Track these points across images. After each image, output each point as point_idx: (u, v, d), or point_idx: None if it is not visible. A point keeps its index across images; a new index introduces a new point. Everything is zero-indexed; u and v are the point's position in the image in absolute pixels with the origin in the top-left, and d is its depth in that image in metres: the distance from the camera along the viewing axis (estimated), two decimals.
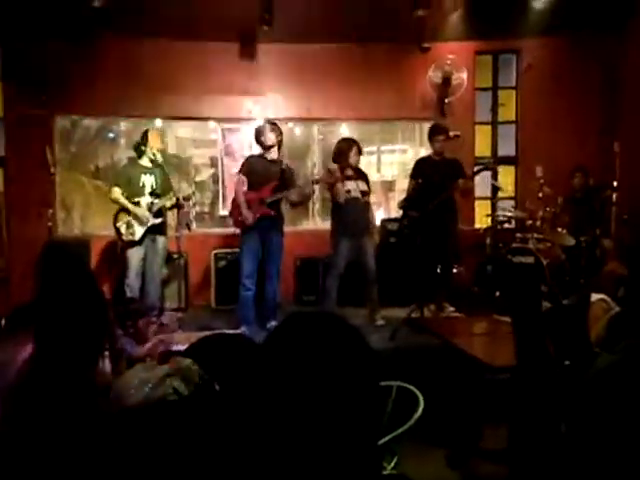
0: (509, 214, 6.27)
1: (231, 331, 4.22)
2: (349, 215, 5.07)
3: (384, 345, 4.57)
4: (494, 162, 5.43)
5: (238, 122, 6.75)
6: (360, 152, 5.17)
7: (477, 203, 7.04)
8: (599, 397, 1.77)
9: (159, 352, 2.50)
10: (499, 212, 6.29)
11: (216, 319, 5.47)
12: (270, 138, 4.96)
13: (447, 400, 3.65)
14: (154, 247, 5.22)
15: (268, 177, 4.93)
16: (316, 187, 5.48)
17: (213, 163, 6.91)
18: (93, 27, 5.76)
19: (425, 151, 6.71)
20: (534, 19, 6.36)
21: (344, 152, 5.09)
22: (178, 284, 5.69)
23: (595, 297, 3.20)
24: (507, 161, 7.21)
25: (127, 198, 5.12)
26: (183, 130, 6.91)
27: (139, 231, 5.10)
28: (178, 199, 5.11)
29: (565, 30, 6.63)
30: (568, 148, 6.67)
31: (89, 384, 1.65)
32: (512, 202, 7.16)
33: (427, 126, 6.76)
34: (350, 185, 5.09)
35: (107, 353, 2.49)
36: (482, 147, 7.23)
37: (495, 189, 6.28)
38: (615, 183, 5.56)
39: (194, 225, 6.28)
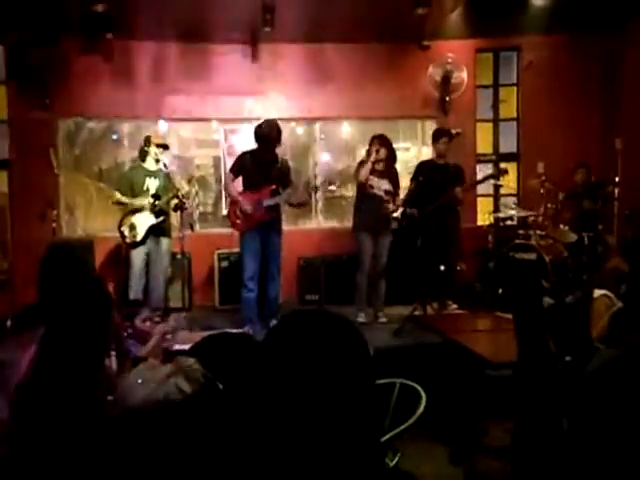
0: (511, 211, 6.27)
1: (235, 330, 4.23)
2: (369, 211, 5.17)
3: (388, 342, 4.59)
4: (499, 170, 5.46)
5: (240, 122, 6.77)
6: (386, 149, 5.17)
7: (479, 200, 7.05)
8: (600, 392, 1.78)
9: (162, 351, 2.51)
10: (501, 209, 6.30)
11: (220, 319, 5.49)
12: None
13: (451, 397, 3.66)
14: (158, 248, 5.25)
15: (264, 176, 4.89)
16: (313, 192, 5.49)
17: (216, 163, 6.94)
18: (96, 30, 5.79)
19: (427, 149, 6.72)
20: (534, 17, 6.35)
21: (368, 148, 5.23)
22: (182, 284, 5.72)
23: (598, 293, 3.20)
24: (509, 158, 7.21)
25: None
26: (186, 131, 6.93)
27: (141, 231, 5.13)
28: (178, 197, 5.10)
29: (566, 28, 6.62)
30: (569, 145, 6.68)
31: (94, 384, 1.67)
32: (514, 199, 7.16)
33: (429, 124, 6.78)
34: (373, 181, 5.15)
35: (114, 353, 2.51)
36: (484, 144, 7.24)
37: (497, 187, 6.29)
38: (617, 179, 5.55)
39: (197, 225, 6.31)
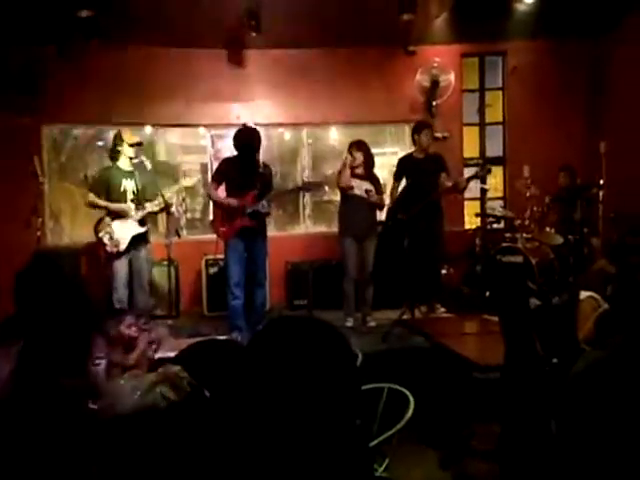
0: (498, 214, 6.31)
1: (221, 337, 4.21)
2: (352, 214, 5.21)
3: (376, 347, 4.59)
4: (484, 170, 5.45)
5: (227, 128, 6.76)
6: (363, 153, 5.22)
7: (466, 204, 7.08)
8: (585, 394, 1.78)
9: (148, 359, 2.49)
10: (488, 212, 6.34)
11: (207, 326, 5.45)
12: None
13: (439, 400, 3.66)
14: (139, 256, 5.07)
15: (246, 182, 4.87)
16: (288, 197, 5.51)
17: (203, 169, 6.92)
18: (81, 35, 5.75)
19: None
20: (519, 22, 6.42)
21: (348, 151, 5.27)
22: (169, 291, 5.67)
23: (584, 295, 3.23)
24: (495, 161, 7.25)
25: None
26: (172, 137, 6.91)
27: (124, 242, 4.93)
28: (166, 202, 4.95)
29: (550, 33, 6.70)
30: (555, 148, 6.74)
31: (77, 393, 1.65)
32: (501, 202, 7.22)
33: None
34: (355, 182, 5.18)
35: (102, 362, 2.48)
36: (470, 148, 7.28)
37: (483, 191, 6.33)
38: (601, 182, 5.61)
39: (184, 232, 6.27)
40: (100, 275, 5.36)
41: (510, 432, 2.60)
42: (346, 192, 5.26)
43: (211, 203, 5.81)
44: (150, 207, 5.02)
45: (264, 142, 5.90)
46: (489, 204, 6.73)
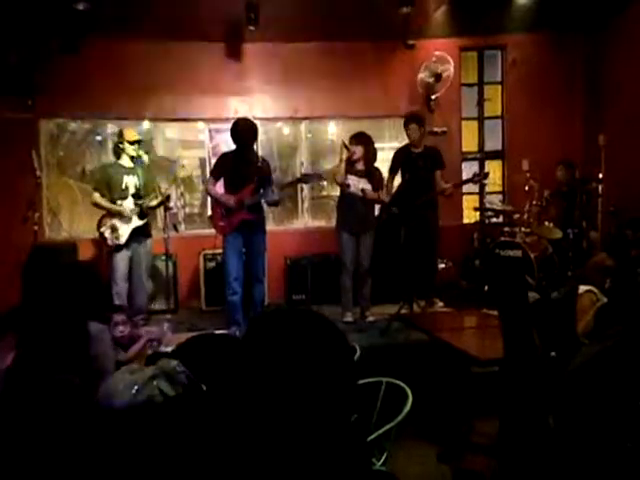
0: (497, 208, 6.30)
1: (219, 331, 4.21)
2: (350, 209, 5.14)
3: (375, 341, 4.59)
4: (481, 175, 5.40)
5: (226, 122, 6.74)
6: (362, 147, 5.11)
7: (465, 198, 7.07)
8: (583, 388, 1.78)
9: (146, 354, 2.49)
10: (487, 206, 6.33)
11: (206, 320, 5.46)
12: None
13: (438, 395, 3.66)
14: (140, 249, 5.15)
15: (244, 175, 4.86)
16: (288, 190, 5.47)
17: (202, 164, 6.89)
18: (78, 29, 5.71)
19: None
20: (518, 15, 6.39)
21: (344, 145, 5.14)
22: (167, 286, 5.66)
23: (583, 289, 3.22)
24: (494, 155, 7.25)
25: (110, 202, 5.05)
26: (171, 131, 6.88)
27: (125, 234, 5.02)
28: (163, 196, 5.01)
29: (549, 27, 6.68)
30: (553, 141, 6.74)
31: (73, 387, 1.64)
32: (500, 196, 7.21)
33: None
34: (351, 180, 5.12)
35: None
36: (469, 142, 7.27)
37: (482, 185, 6.31)
38: (600, 175, 5.59)
39: (182, 226, 6.26)
40: (99, 270, 5.34)
41: (509, 426, 2.60)
42: (343, 190, 5.21)
43: (209, 198, 5.82)
44: (148, 201, 5.09)
45: (262, 136, 5.88)
46: (488, 198, 6.71)
